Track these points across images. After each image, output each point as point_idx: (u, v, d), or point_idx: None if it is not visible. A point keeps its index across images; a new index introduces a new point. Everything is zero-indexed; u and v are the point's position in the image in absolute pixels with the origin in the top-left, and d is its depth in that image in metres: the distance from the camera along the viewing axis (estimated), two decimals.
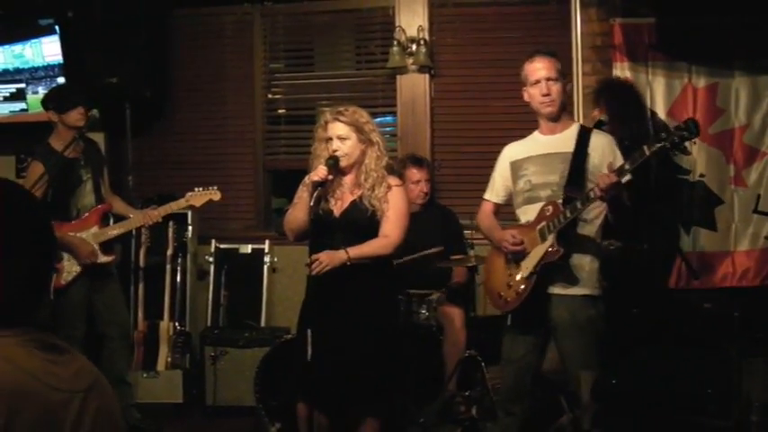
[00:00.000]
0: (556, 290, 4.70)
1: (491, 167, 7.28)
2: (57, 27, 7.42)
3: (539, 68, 4.82)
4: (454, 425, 5.70)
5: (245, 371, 6.53)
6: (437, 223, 6.66)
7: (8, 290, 1.90)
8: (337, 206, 4.96)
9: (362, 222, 4.90)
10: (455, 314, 6.31)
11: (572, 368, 4.76)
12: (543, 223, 4.67)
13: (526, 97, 4.91)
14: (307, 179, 5.07)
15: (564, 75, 4.90)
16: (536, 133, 4.99)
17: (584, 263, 4.70)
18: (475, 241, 6.46)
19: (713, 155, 6.66)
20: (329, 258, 4.80)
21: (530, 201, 4.83)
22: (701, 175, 6.64)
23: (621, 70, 6.69)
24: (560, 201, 4.62)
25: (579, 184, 4.58)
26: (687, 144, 4.23)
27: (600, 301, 4.73)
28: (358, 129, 4.92)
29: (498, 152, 7.28)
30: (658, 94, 6.69)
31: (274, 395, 5.94)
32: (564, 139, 4.79)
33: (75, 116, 6.10)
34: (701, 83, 6.66)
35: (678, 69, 6.69)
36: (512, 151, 5.07)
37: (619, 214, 4.62)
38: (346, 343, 4.88)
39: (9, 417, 1.74)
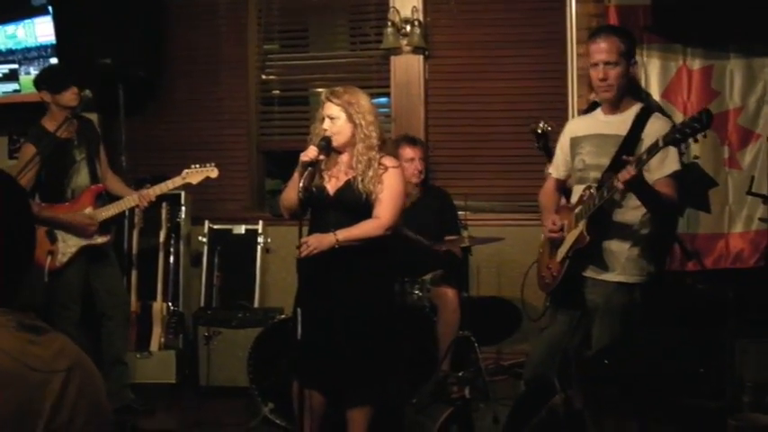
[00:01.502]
0: (590, 273, 4.68)
1: (486, 148, 7.35)
2: (50, 7, 7.38)
3: (598, 50, 4.64)
4: (447, 405, 5.70)
5: (238, 351, 6.52)
6: (432, 205, 6.66)
7: None
8: (331, 183, 4.94)
9: (356, 203, 4.89)
10: (449, 295, 6.32)
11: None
12: (579, 207, 4.66)
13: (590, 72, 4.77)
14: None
15: (630, 55, 4.68)
16: (599, 110, 4.88)
17: (622, 249, 4.62)
18: (469, 222, 6.45)
19: (708, 137, 6.59)
20: (317, 241, 4.79)
21: (581, 181, 4.78)
22: (696, 157, 6.62)
23: None
24: (596, 186, 4.57)
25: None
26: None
27: (638, 289, 4.66)
28: (349, 109, 4.91)
29: (492, 133, 7.33)
30: (653, 76, 6.68)
31: (267, 376, 5.94)
32: (622, 121, 4.66)
33: (69, 96, 6.06)
34: (696, 65, 6.66)
35: (673, 51, 6.68)
36: (574, 126, 5.01)
37: (651, 204, 4.52)
38: (339, 326, 4.88)
39: None
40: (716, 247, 6.67)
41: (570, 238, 4.68)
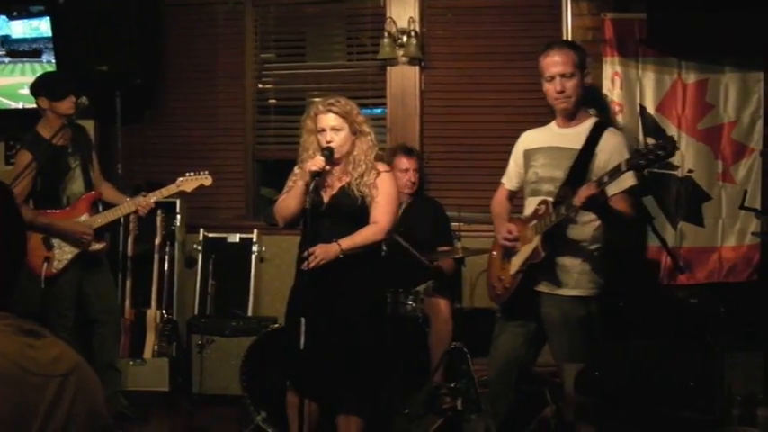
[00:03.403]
0: (544, 288, 4.70)
1: (481, 160, 7.36)
2: (48, 14, 7.40)
3: (552, 63, 4.69)
4: (438, 416, 5.71)
5: (231, 359, 6.54)
6: (426, 215, 6.67)
7: None
8: (326, 193, 4.99)
9: (350, 208, 4.93)
10: (441, 306, 6.32)
11: (562, 366, 4.79)
12: (534, 222, 4.65)
13: (544, 89, 4.81)
14: (296, 169, 5.10)
15: (583, 66, 4.74)
16: (553, 123, 4.90)
17: (575, 264, 4.66)
18: (462, 233, 6.46)
19: (702, 150, 6.68)
20: (323, 252, 4.83)
21: (534, 193, 4.80)
22: (690, 171, 6.67)
23: (612, 65, 6.71)
24: (552, 200, 4.58)
25: (578, 185, 4.41)
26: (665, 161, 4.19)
27: (593, 302, 4.69)
28: (350, 120, 4.96)
29: (488, 145, 7.34)
30: (648, 89, 6.72)
31: (260, 384, 5.95)
32: (576, 135, 4.69)
33: (67, 105, 6.07)
34: (691, 78, 6.69)
35: (668, 65, 6.72)
36: (527, 138, 5.02)
37: (611, 223, 4.57)
38: (334, 334, 4.91)
39: None
40: (709, 261, 6.69)
41: (525, 251, 4.68)
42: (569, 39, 6.86)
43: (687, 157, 6.65)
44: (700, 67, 6.69)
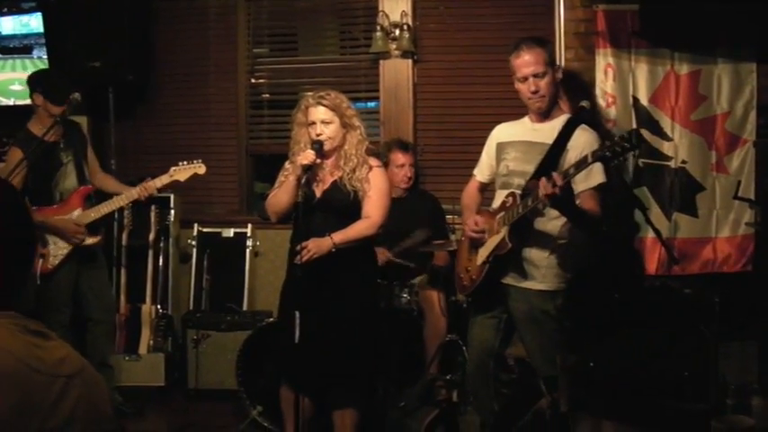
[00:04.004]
0: (511, 281, 4.73)
1: (474, 153, 7.29)
2: (40, 10, 7.40)
3: (524, 64, 4.72)
4: (434, 407, 5.72)
5: (226, 354, 6.54)
6: (421, 208, 6.68)
7: None
8: (318, 187, 5.00)
9: (342, 203, 4.95)
10: (436, 298, 6.32)
11: (533, 359, 4.85)
12: (501, 214, 4.67)
13: (516, 87, 4.82)
14: (287, 164, 5.11)
15: (553, 62, 4.77)
16: (527, 118, 4.91)
17: (541, 258, 4.68)
18: (457, 226, 6.47)
19: (695, 141, 6.68)
20: (316, 246, 4.85)
21: (504, 186, 4.81)
22: (683, 162, 6.66)
23: (604, 57, 6.70)
24: (520, 193, 4.58)
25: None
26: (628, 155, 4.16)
27: (558, 296, 4.71)
28: (340, 113, 4.97)
29: (481, 138, 7.33)
30: (641, 80, 6.71)
31: (256, 379, 5.97)
32: (549, 130, 4.68)
33: (63, 108, 6.05)
34: (684, 69, 6.69)
35: (661, 56, 6.71)
36: (501, 132, 5.03)
37: (576, 220, 4.55)
38: (327, 328, 4.92)
39: None
40: (703, 252, 6.69)
41: (491, 242, 4.69)
42: (562, 31, 6.87)
43: (681, 148, 6.65)
44: (692, 59, 6.68)
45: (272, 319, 6.23)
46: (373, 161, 5.09)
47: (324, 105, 4.97)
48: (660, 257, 6.54)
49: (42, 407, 1.82)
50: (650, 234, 6.39)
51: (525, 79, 4.70)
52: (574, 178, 4.34)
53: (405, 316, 6.24)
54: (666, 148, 6.63)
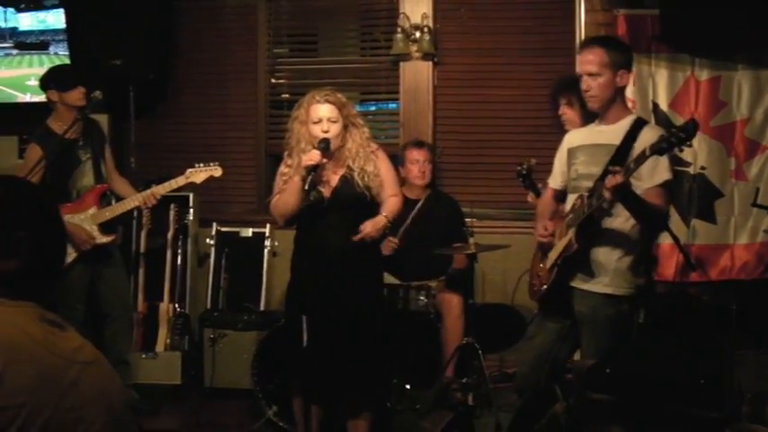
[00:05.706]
0: (577, 283, 4.67)
1: (493, 155, 7.36)
2: (62, 6, 7.44)
3: (581, 62, 4.67)
4: (449, 411, 5.72)
5: (243, 354, 6.55)
6: (441, 211, 6.69)
7: (22, 262, 1.99)
8: (325, 188, 5.00)
9: (354, 197, 4.98)
10: (453, 301, 6.32)
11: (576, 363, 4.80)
12: (570, 216, 4.66)
13: None
14: (284, 168, 5.12)
15: (617, 65, 4.59)
16: (596, 121, 4.84)
17: (610, 260, 4.59)
18: (475, 229, 6.46)
19: (714, 148, 6.66)
20: (373, 226, 4.98)
21: (574, 190, 4.76)
22: (702, 168, 6.64)
23: None
24: (587, 194, 4.56)
25: None
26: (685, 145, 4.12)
27: (625, 301, 4.62)
28: (345, 112, 5.01)
29: (499, 140, 7.35)
30: (661, 85, 6.69)
31: (272, 378, 5.97)
32: (616, 131, 4.63)
33: (76, 95, 6.09)
34: (704, 75, 6.67)
35: (681, 62, 6.69)
36: (571, 138, 4.98)
37: (638, 214, 4.48)
38: (338, 327, 4.93)
39: (5, 365, 1.81)
40: (721, 259, 6.67)
41: (560, 245, 4.68)
42: (582, 35, 6.85)
43: (700, 154, 6.63)
44: (713, 64, 6.66)
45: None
46: (373, 146, 5.16)
47: (330, 103, 4.98)
48: (678, 264, 6.51)
49: (59, 385, 1.88)
50: (668, 240, 6.35)
51: (581, 77, 4.66)
52: (640, 175, 4.35)
53: (421, 318, 6.24)
54: (685, 154, 6.57)
